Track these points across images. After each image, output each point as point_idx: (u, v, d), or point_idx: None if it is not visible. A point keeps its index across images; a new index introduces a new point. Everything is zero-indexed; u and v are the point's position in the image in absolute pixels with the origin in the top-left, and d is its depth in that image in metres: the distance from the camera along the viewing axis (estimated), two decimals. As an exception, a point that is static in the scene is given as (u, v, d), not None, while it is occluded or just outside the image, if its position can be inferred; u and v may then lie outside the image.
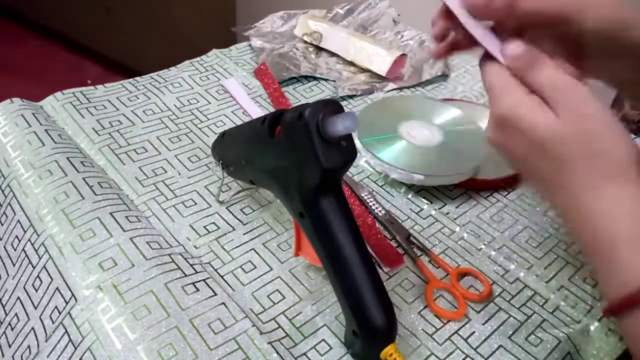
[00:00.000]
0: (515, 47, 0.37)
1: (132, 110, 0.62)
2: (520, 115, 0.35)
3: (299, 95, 0.69)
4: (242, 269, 0.46)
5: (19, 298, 0.45)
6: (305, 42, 0.80)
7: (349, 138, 0.36)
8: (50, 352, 0.39)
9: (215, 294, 0.42)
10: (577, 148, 0.33)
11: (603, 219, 0.33)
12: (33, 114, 0.56)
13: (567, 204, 0.35)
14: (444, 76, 0.76)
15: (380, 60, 0.73)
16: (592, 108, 0.34)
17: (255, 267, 0.47)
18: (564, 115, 0.34)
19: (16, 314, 0.44)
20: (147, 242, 0.45)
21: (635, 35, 0.39)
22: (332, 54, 0.78)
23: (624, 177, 0.33)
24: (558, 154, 0.34)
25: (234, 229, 0.50)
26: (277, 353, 0.39)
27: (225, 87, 0.69)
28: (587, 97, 0.34)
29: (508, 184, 0.57)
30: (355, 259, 0.37)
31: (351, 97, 0.70)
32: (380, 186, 0.57)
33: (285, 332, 0.42)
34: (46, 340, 0.40)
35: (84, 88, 0.64)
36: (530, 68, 0.36)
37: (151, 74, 0.69)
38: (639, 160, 0.33)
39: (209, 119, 0.63)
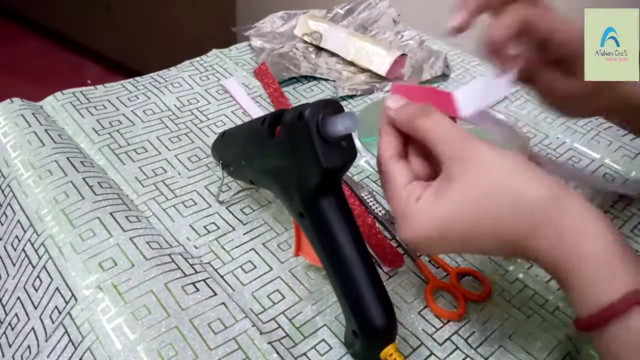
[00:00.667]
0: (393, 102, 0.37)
1: (132, 110, 0.62)
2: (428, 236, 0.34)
3: (299, 95, 0.69)
4: (242, 269, 0.46)
5: (19, 298, 0.45)
6: (305, 42, 0.80)
7: (349, 138, 0.36)
8: (50, 352, 0.40)
9: (215, 294, 0.42)
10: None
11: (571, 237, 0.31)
12: (33, 114, 0.56)
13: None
14: (444, 76, 0.76)
15: (380, 60, 0.73)
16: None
17: (255, 267, 0.47)
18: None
19: (16, 314, 0.44)
20: (147, 242, 0.45)
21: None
22: (332, 54, 0.78)
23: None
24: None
25: (234, 229, 0.50)
26: (277, 353, 0.39)
27: (225, 87, 0.69)
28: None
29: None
30: (355, 259, 0.37)
31: (351, 97, 0.70)
32: (380, 186, 0.57)
33: (285, 332, 0.42)
34: (46, 340, 0.40)
35: (84, 88, 0.64)
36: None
37: (151, 74, 0.69)
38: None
39: (209, 119, 0.63)
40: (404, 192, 0.35)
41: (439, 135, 0.34)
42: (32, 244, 0.45)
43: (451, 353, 0.42)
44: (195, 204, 0.52)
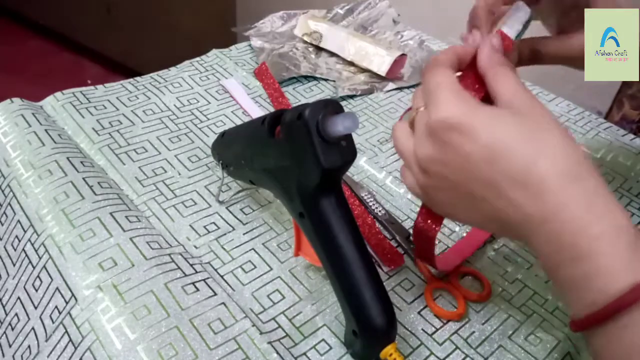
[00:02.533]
0: None
1: (132, 110, 0.63)
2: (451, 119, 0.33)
3: (299, 95, 0.69)
4: (242, 269, 0.46)
5: (19, 298, 0.45)
6: (305, 42, 0.80)
7: (348, 138, 0.36)
8: (50, 352, 0.40)
9: (215, 294, 0.42)
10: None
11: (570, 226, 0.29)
12: (33, 114, 0.56)
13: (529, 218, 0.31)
14: (443, 76, 0.75)
15: (380, 60, 0.73)
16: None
17: (255, 267, 0.47)
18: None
19: (16, 314, 0.44)
20: (147, 242, 0.45)
21: None
22: (332, 54, 0.78)
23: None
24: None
25: (233, 229, 0.50)
26: (277, 353, 0.39)
27: (225, 87, 0.69)
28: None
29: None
30: (355, 259, 0.37)
31: (351, 97, 0.70)
32: (380, 186, 0.57)
33: (285, 332, 0.42)
34: (46, 340, 0.40)
35: (84, 88, 0.64)
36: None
37: (151, 74, 0.69)
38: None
39: (209, 119, 0.63)
40: (452, 77, 0.35)
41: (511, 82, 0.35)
42: (32, 244, 0.45)
43: (451, 353, 0.42)
44: (195, 204, 0.52)
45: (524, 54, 0.44)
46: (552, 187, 0.30)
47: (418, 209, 0.53)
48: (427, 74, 0.36)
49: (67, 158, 0.52)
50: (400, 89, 0.73)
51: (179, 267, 0.43)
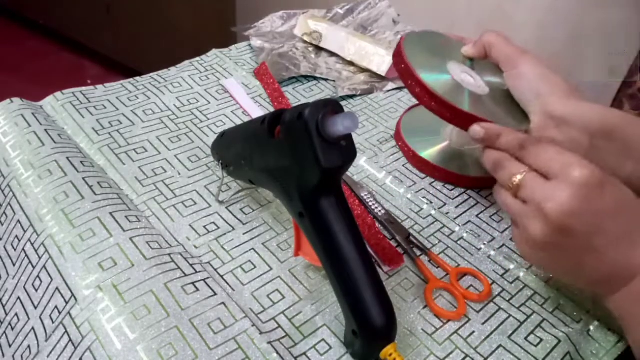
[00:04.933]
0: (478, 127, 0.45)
1: (132, 110, 0.63)
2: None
3: (299, 95, 0.69)
4: (242, 269, 0.46)
5: (19, 298, 0.45)
6: (305, 42, 0.80)
7: (348, 138, 0.36)
8: (50, 352, 0.40)
9: (215, 294, 0.42)
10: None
11: None
12: (33, 113, 0.56)
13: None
14: (443, 76, 0.76)
15: (380, 60, 0.73)
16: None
17: (255, 267, 0.47)
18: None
19: (16, 314, 0.44)
20: (147, 242, 0.45)
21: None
22: (332, 54, 0.78)
23: None
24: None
25: (233, 229, 0.50)
26: (277, 353, 0.39)
27: (225, 87, 0.69)
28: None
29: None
30: (355, 259, 0.37)
31: (351, 97, 0.70)
32: (380, 186, 0.57)
33: (285, 332, 0.42)
34: (46, 340, 0.40)
35: (83, 88, 0.64)
36: (521, 149, 0.41)
37: (151, 74, 0.69)
38: None
39: (208, 119, 0.63)
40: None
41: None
42: (32, 244, 0.45)
43: (451, 353, 0.42)
44: (195, 203, 0.52)
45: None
46: None
47: (417, 209, 0.54)
48: (532, 143, 0.41)
49: (67, 158, 0.52)
50: (400, 88, 0.73)
51: (178, 267, 0.43)
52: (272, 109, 0.66)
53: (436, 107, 0.50)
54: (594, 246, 0.37)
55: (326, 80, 0.73)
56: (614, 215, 0.37)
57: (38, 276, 0.44)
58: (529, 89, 0.48)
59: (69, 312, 0.40)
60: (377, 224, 0.52)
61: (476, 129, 0.45)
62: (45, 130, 0.54)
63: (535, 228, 0.38)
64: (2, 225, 0.49)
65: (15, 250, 0.47)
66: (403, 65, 0.52)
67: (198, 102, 0.66)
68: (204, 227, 0.50)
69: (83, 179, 0.50)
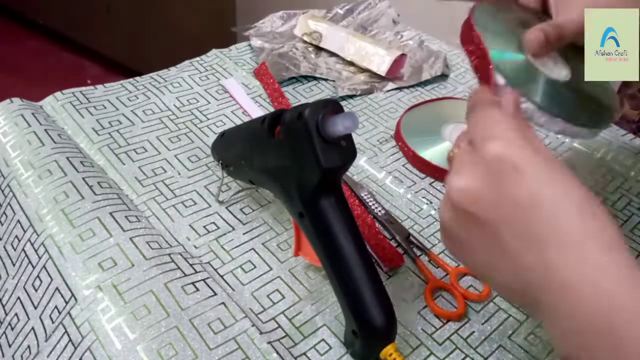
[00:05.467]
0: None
1: (131, 110, 0.63)
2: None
3: (299, 95, 0.69)
4: (242, 269, 0.46)
5: (19, 298, 0.45)
6: (305, 42, 0.80)
7: (348, 138, 0.36)
8: (50, 352, 0.40)
9: (215, 294, 0.42)
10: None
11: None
12: (33, 113, 0.56)
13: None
14: (443, 76, 0.76)
15: (379, 60, 0.73)
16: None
17: (255, 267, 0.47)
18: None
19: (16, 314, 0.44)
20: (147, 242, 0.45)
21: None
22: (332, 54, 0.78)
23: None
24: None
25: (233, 229, 0.50)
26: (277, 353, 0.39)
27: (225, 87, 0.69)
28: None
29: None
30: (355, 259, 0.37)
31: (351, 97, 0.70)
32: (380, 186, 0.57)
33: (285, 332, 0.42)
34: (46, 340, 0.40)
35: (83, 88, 0.64)
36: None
37: (151, 74, 0.69)
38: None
39: (208, 119, 0.63)
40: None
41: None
42: (32, 244, 0.45)
43: (451, 353, 0.42)
44: (195, 203, 0.52)
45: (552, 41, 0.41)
46: (591, 257, 0.26)
47: (417, 209, 0.53)
48: (479, 108, 0.33)
49: (67, 158, 0.52)
50: (400, 88, 0.73)
51: (178, 267, 0.43)
52: (272, 109, 0.66)
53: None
54: (502, 240, 0.28)
55: (326, 80, 0.73)
56: (528, 213, 0.28)
57: (38, 276, 0.44)
58: None
59: (68, 312, 0.40)
60: (377, 224, 0.52)
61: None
62: (45, 130, 0.54)
63: (441, 209, 0.32)
64: (2, 225, 0.49)
65: (15, 250, 0.47)
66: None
67: (198, 102, 0.66)
68: (204, 227, 0.50)
69: (83, 179, 0.50)
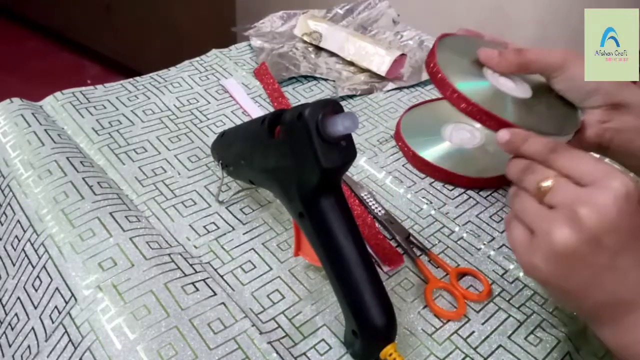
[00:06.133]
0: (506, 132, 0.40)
1: (131, 110, 0.63)
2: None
3: (299, 95, 0.69)
4: (242, 269, 0.46)
5: (19, 298, 0.45)
6: (305, 42, 0.80)
7: (348, 138, 0.36)
8: (50, 352, 0.40)
9: (215, 294, 0.42)
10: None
11: None
12: (32, 113, 0.56)
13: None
14: (443, 76, 0.75)
15: (379, 60, 0.73)
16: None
17: (254, 267, 0.47)
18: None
19: (16, 314, 0.44)
20: (147, 242, 0.45)
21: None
22: (332, 54, 0.78)
23: None
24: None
25: (233, 229, 0.50)
26: (277, 353, 0.39)
27: (224, 87, 0.69)
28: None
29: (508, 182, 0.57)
30: (355, 259, 0.37)
31: (351, 97, 0.70)
32: (380, 186, 0.57)
33: (285, 332, 0.42)
34: (46, 340, 0.40)
35: (83, 88, 0.64)
36: (552, 152, 0.37)
37: (151, 74, 0.69)
38: None
39: (208, 119, 0.63)
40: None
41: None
42: (32, 244, 0.45)
43: (451, 353, 0.42)
44: (195, 203, 0.52)
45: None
46: None
47: (417, 209, 0.53)
48: (564, 148, 0.37)
49: (67, 158, 0.52)
50: (400, 88, 0.73)
51: (178, 267, 0.43)
52: (272, 109, 0.66)
53: (478, 117, 0.45)
54: (616, 266, 0.34)
55: (326, 80, 0.73)
56: None
57: (38, 276, 0.44)
58: (585, 87, 0.45)
59: (68, 312, 0.40)
60: (377, 224, 0.52)
61: (501, 133, 0.41)
62: (45, 130, 0.54)
63: (562, 234, 0.34)
64: (2, 225, 0.49)
65: (15, 250, 0.47)
66: (439, 75, 0.47)
67: (198, 102, 0.66)
68: (204, 227, 0.50)
69: (83, 179, 0.50)
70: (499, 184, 0.57)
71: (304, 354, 0.41)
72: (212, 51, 0.75)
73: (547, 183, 0.36)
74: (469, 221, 0.53)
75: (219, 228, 0.50)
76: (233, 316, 0.41)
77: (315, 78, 0.73)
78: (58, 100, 0.62)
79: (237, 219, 0.51)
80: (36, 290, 0.43)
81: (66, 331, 0.40)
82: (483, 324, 0.44)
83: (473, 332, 0.43)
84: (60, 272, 0.43)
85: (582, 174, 0.35)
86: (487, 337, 0.43)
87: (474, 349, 0.42)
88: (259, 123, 0.41)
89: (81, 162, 0.52)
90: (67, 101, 0.62)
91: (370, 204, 0.53)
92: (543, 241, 0.35)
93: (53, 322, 0.41)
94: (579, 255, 0.34)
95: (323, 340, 0.42)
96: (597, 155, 0.40)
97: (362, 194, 0.54)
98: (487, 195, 0.57)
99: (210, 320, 0.40)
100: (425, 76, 0.74)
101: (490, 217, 0.54)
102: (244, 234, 0.50)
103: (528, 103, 0.47)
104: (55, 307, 0.41)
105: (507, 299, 0.46)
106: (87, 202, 0.47)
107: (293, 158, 0.37)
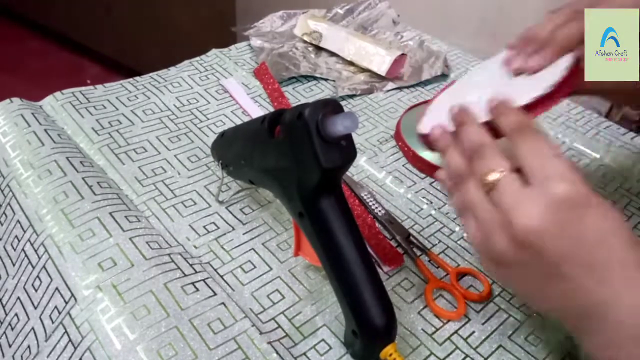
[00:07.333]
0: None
1: (131, 110, 0.62)
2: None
3: (299, 95, 0.69)
4: (242, 269, 0.46)
5: (18, 298, 0.44)
6: (305, 41, 0.80)
7: (348, 138, 0.36)
8: (50, 352, 0.39)
9: (215, 294, 0.42)
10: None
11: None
12: (32, 113, 0.56)
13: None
14: (443, 76, 0.76)
15: (380, 60, 0.73)
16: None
17: (254, 267, 0.47)
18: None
19: (16, 314, 0.44)
20: (147, 242, 0.45)
21: None
22: (332, 54, 0.78)
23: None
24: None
25: (233, 229, 0.50)
26: (277, 353, 0.39)
27: (224, 87, 0.69)
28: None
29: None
30: (355, 259, 0.37)
31: (351, 96, 0.70)
32: (380, 186, 0.57)
33: (285, 332, 0.42)
34: (46, 340, 0.40)
35: (83, 88, 0.64)
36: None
37: (151, 74, 0.69)
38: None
39: (208, 119, 0.63)
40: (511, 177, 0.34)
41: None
42: (32, 244, 0.45)
43: (451, 353, 0.42)
44: (195, 203, 0.52)
45: None
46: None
47: (417, 209, 0.53)
48: (528, 136, 0.35)
49: (67, 158, 0.52)
50: (400, 88, 0.73)
51: (178, 267, 0.43)
52: (272, 109, 0.66)
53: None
54: (561, 273, 0.32)
55: (326, 80, 0.73)
56: (591, 245, 0.31)
57: (38, 276, 0.44)
58: None
59: (68, 312, 0.40)
60: (377, 224, 0.52)
61: (492, 98, 0.38)
62: (45, 130, 0.54)
63: (498, 240, 0.33)
64: (2, 225, 0.49)
65: (15, 250, 0.47)
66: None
67: (198, 102, 0.66)
68: (204, 227, 0.50)
69: (83, 179, 0.50)
70: None
71: (304, 354, 0.41)
72: (212, 51, 0.75)
73: (493, 177, 0.34)
74: (469, 221, 0.53)
75: (219, 228, 0.50)
76: (233, 316, 0.41)
77: (315, 78, 0.73)
78: (58, 100, 0.62)
79: (237, 219, 0.51)
80: (36, 290, 0.43)
81: (66, 331, 0.40)
82: (483, 324, 0.44)
83: (473, 332, 0.43)
84: (60, 272, 0.43)
85: (533, 170, 0.33)
86: (488, 337, 0.43)
87: (474, 349, 0.42)
88: (258, 123, 0.41)
89: (81, 162, 0.52)
90: (67, 101, 0.62)
91: (370, 204, 0.53)
92: (486, 245, 0.34)
93: (53, 322, 0.41)
94: (517, 261, 0.33)
95: (323, 340, 0.42)
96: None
97: (362, 194, 0.54)
98: (487, 195, 0.57)
99: (210, 320, 0.40)
100: (425, 76, 0.74)
101: (491, 217, 0.54)
102: (244, 234, 0.49)
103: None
104: (55, 307, 0.41)
105: (508, 299, 0.46)
106: (87, 202, 0.47)
107: (293, 158, 0.37)
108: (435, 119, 0.42)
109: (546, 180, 0.32)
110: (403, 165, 0.60)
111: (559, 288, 0.32)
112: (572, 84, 0.40)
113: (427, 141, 0.43)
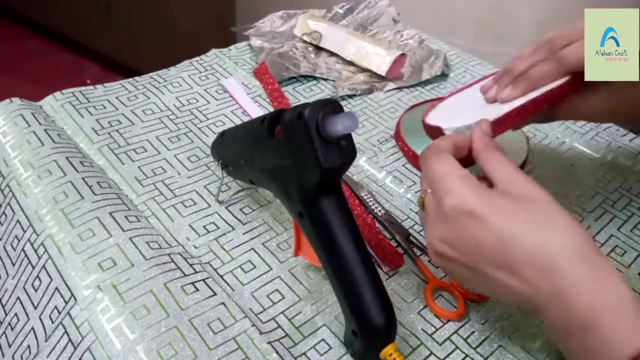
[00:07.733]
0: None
1: (131, 110, 0.62)
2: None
3: (299, 95, 0.69)
4: (242, 269, 0.46)
5: (18, 298, 0.44)
6: (305, 41, 0.80)
7: (348, 138, 0.36)
8: (50, 352, 0.39)
9: (215, 294, 0.42)
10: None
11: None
12: (32, 113, 0.56)
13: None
14: (443, 75, 0.76)
15: (379, 60, 0.73)
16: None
17: (254, 267, 0.47)
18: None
19: (16, 314, 0.44)
20: (147, 242, 0.45)
21: None
22: (332, 54, 0.78)
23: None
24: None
25: (233, 229, 0.50)
26: (277, 353, 0.39)
27: (224, 87, 0.69)
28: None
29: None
30: (355, 258, 0.37)
31: (351, 96, 0.70)
32: (380, 186, 0.57)
33: (285, 332, 0.42)
34: (46, 340, 0.40)
35: (83, 88, 0.64)
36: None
37: (151, 74, 0.69)
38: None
39: (208, 119, 0.63)
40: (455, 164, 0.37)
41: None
42: (32, 244, 0.45)
43: (451, 353, 0.42)
44: (195, 203, 0.52)
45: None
46: (563, 265, 0.32)
47: (417, 209, 0.53)
48: (429, 160, 0.38)
49: (67, 158, 0.52)
50: (400, 88, 0.72)
51: (178, 267, 0.43)
52: (272, 109, 0.66)
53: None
54: (485, 273, 0.34)
55: (326, 80, 0.73)
56: (494, 243, 0.34)
57: (38, 276, 0.44)
58: None
59: (68, 312, 0.40)
60: (377, 224, 0.52)
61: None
62: (45, 130, 0.54)
63: (428, 251, 0.38)
64: (2, 225, 0.49)
65: (14, 250, 0.47)
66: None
67: (197, 102, 0.66)
68: (204, 227, 0.50)
69: (82, 179, 0.50)
70: None
71: (304, 354, 0.41)
72: (212, 51, 0.75)
73: (424, 195, 0.39)
74: (469, 221, 0.53)
75: (218, 228, 0.50)
76: (233, 316, 0.41)
77: (315, 78, 0.73)
78: (58, 100, 0.62)
79: (237, 219, 0.51)
80: (36, 290, 0.43)
81: (66, 331, 0.40)
82: (483, 324, 0.44)
83: (473, 332, 0.43)
84: (60, 272, 0.43)
85: (434, 190, 0.37)
86: (488, 337, 0.43)
87: (474, 349, 0.42)
88: (258, 123, 0.41)
89: (81, 162, 0.52)
90: (67, 101, 0.62)
91: (370, 204, 0.53)
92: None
93: (53, 322, 0.41)
94: (444, 267, 0.38)
95: (323, 340, 0.42)
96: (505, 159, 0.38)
97: (362, 194, 0.54)
98: (487, 195, 0.57)
99: (210, 320, 0.40)
100: (425, 76, 0.74)
101: (490, 217, 0.54)
102: (243, 234, 0.49)
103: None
104: (55, 307, 0.41)
105: (507, 299, 0.46)
106: (87, 202, 0.47)
107: (293, 158, 0.37)
108: (440, 118, 0.47)
109: (441, 196, 0.36)
110: (403, 165, 0.60)
111: (488, 285, 0.36)
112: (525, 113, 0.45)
113: (429, 130, 0.47)
